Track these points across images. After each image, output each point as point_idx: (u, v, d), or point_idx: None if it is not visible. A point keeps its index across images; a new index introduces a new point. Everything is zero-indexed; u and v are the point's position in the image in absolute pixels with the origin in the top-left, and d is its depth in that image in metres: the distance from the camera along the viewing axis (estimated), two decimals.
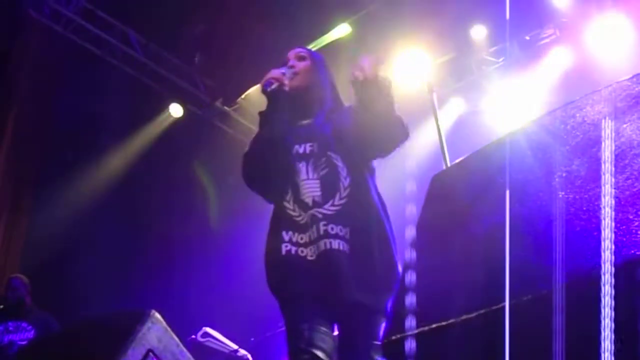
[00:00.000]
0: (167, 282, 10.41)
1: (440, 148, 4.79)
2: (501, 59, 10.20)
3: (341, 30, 9.79)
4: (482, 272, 2.64)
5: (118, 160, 10.46)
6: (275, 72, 3.93)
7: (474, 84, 10.32)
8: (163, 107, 10.92)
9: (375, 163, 3.99)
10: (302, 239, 3.73)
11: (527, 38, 9.92)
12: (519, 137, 2.83)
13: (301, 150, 3.86)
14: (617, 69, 8.51)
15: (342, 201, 3.73)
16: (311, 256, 3.69)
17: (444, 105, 10.02)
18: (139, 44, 10.56)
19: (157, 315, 6.67)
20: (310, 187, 3.77)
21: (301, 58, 4.09)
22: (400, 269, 3.59)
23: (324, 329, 3.65)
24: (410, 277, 2.96)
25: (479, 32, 9.89)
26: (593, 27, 9.24)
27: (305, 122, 3.98)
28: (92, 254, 9.67)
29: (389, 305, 3.60)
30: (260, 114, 3.97)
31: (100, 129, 10.18)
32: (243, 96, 11.04)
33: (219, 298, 10.44)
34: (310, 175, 3.79)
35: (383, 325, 3.60)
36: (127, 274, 10.07)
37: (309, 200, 3.75)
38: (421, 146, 8.65)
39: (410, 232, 3.11)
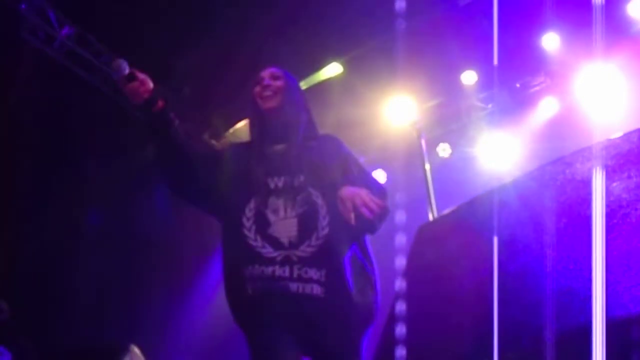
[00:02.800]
0: (147, 312, 10.34)
1: (426, 194, 4.76)
2: (490, 105, 10.22)
3: (332, 70, 9.79)
4: (468, 326, 2.61)
5: (102, 187, 10.41)
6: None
7: (463, 129, 10.33)
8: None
9: None
10: (264, 272, 3.53)
11: (518, 85, 9.94)
12: (507, 192, 2.82)
13: (279, 184, 3.67)
14: (607, 119, 8.55)
15: (319, 242, 3.55)
16: (275, 293, 3.51)
17: (432, 150, 10.02)
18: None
19: (136, 349, 6.62)
20: (287, 225, 3.58)
21: (275, 77, 3.90)
22: (377, 303, 3.50)
23: None
24: (398, 329, 2.92)
25: (469, 77, 9.90)
26: (583, 76, 9.27)
27: (279, 147, 3.79)
28: (74, 282, 9.59)
29: (364, 344, 3.48)
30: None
31: (86, 155, 10.12)
32: (231, 130, 11.02)
33: (201, 329, 10.36)
34: (288, 214, 3.61)
35: None
36: (109, 301, 9.99)
37: (284, 241, 3.57)
38: (407, 191, 8.63)
39: (398, 283, 3.07)
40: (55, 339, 8.92)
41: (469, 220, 2.87)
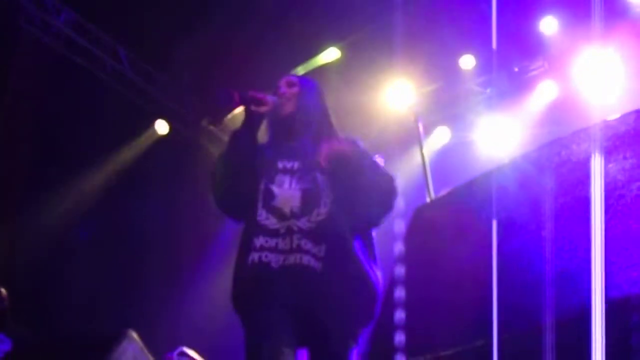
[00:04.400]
0: (146, 298, 10.35)
1: (424, 179, 4.75)
2: (488, 89, 10.20)
3: (330, 54, 9.79)
4: (467, 307, 2.62)
5: (101, 174, 10.40)
6: (267, 97, 3.84)
7: (461, 113, 10.32)
8: (149, 123, 10.87)
9: None
10: (267, 242, 3.60)
11: (516, 69, 9.93)
12: (504, 173, 2.82)
13: (288, 166, 3.78)
14: (605, 103, 8.54)
15: (320, 217, 3.61)
16: (275, 264, 3.55)
17: (430, 135, 10.01)
18: (127, 59, 10.53)
19: (134, 334, 6.64)
20: (290, 196, 3.67)
21: (291, 85, 4.02)
22: (379, 293, 3.51)
23: (287, 350, 3.50)
24: (397, 314, 2.92)
25: (467, 62, 9.89)
26: (581, 60, 9.25)
27: (295, 142, 3.88)
28: (73, 268, 9.60)
29: (364, 332, 3.47)
30: (234, 132, 3.91)
31: (85, 142, 10.11)
32: (230, 116, 10.99)
33: (198, 317, 10.38)
34: (293, 186, 3.70)
35: (354, 351, 3.49)
36: (107, 288, 10.00)
37: (286, 210, 3.64)
38: (405, 176, 8.64)
39: (395, 266, 3.07)
40: (53, 327, 8.95)
41: (466, 202, 2.87)
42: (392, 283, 3.11)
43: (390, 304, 3.10)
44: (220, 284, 9.94)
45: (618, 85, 8.82)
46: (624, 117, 2.56)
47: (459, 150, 9.91)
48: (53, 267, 9.56)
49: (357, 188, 3.63)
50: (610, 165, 2.49)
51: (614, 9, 8.86)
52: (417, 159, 6.55)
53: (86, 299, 9.65)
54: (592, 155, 2.55)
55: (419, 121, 5.00)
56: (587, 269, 2.36)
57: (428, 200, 4.45)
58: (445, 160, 9.60)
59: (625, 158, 2.45)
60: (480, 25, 8.61)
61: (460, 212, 2.87)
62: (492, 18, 6.43)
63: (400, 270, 3.04)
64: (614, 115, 2.70)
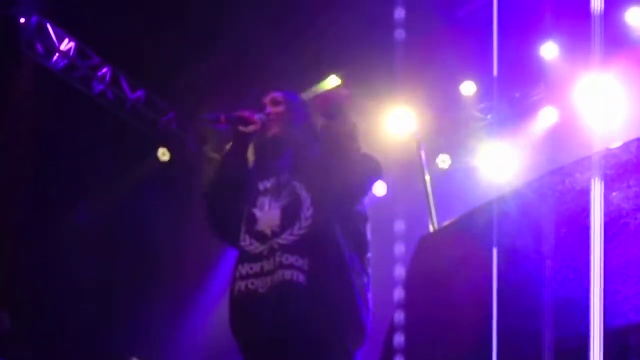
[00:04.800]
0: (149, 324, 10.32)
1: (427, 207, 4.74)
2: (490, 116, 10.22)
3: (331, 82, 9.80)
4: (469, 336, 2.61)
5: (103, 202, 10.39)
6: (254, 116, 3.83)
7: (463, 140, 10.32)
8: (151, 151, 10.88)
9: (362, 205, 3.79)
10: (252, 269, 3.59)
11: (517, 95, 9.94)
12: (506, 202, 2.81)
13: (267, 186, 3.78)
14: (606, 129, 8.54)
15: (302, 232, 3.57)
16: (262, 288, 3.53)
17: (432, 161, 10.01)
18: (129, 86, 10.55)
19: None
20: (270, 218, 3.65)
21: (276, 103, 3.97)
22: (369, 308, 3.45)
23: None
24: (398, 339, 2.90)
25: (468, 88, 9.90)
26: (582, 86, 9.26)
27: (272, 161, 3.89)
28: (75, 295, 9.58)
29: (357, 346, 3.43)
30: (224, 154, 3.95)
31: (86, 169, 10.11)
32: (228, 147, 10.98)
33: (202, 343, 10.35)
34: (272, 206, 3.69)
35: None
36: (110, 313, 9.98)
37: (268, 232, 3.63)
38: (408, 203, 8.62)
39: (398, 294, 3.06)
40: (56, 351, 8.92)
41: (469, 231, 2.87)
42: (395, 308, 3.10)
43: (393, 330, 3.09)
44: (223, 311, 9.91)
45: (619, 111, 8.83)
46: (627, 145, 2.56)
47: (461, 177, 9.90)
48: (55, 292, 9.53)
49: (342, 155, 3.61)
50: (614, 194, 2.49)
51: (614, 34, 8.88)
52: (420, 185, 6.54)
53: (89, 324, 9.62)
54: (593, 184, 2.54)
55: (422, 148, 4.99)
56: (589, 298, 2.35)
57: (431, 229, 4.44)
58: (447, 186, 9.59)
59: (629, 187, 2.45)
60: (480, 52, 8.62)
61: (464, 241, 2.86)
62: (493, 45, 6.44)
63: (403, 297, 3.03)
64: (616, 144, 2.69)
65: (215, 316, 10.27)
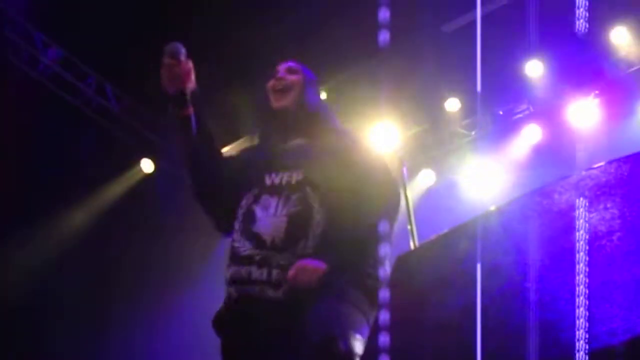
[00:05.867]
0: (130, 337, 10.29)
1: (408, 226, 4.72)
2: (473, 132, 10.25)
3: None
4: (450, 356, 2.60)
5: (85, 213, 10.37)
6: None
7: (446, 156, 10.35)
8: (134, 161, 10.86)
9: None
10: (238, 273, 3.27)
11: (501, 112, 9.98)
12: (488, 222, 2.81)
13: (276, 181, 3.42)
14: (589, 146, 8.60)
15: (307, 251, 3.23)
16: (246, 298, 3.24)
17: (414, 177, 10.02)
18: (114, 96, 10.54)
19: None
20: (274, 224, 3.28)
21: (292, 72, 3.70)
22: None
23: None
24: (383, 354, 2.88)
25: (452, 104, 9.94)
26: (566, 106, 9.31)
27: (286, 144, 3.59)
28: (57, 306, 9.54)
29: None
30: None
31: (69, 179, 10.09)
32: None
33: (182, 351, 10.33)
34: (279, 211, 3.31)
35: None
36: (92, 327, 9.95)
37: (267, 239, 3.27)
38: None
39: (379, 315, 3.03)
40: None
41: (450, 250, 2.87)
42: (376, 330, 3.07)
43: (374, 351, 3.07)
44: (207, 323, 9.91)
45: (602, 129, 8.88)
46: (606, 166, 2.57)
47: (444, 193, 9.93)
48: (34, 301, 9.50)
49: (359, 195, 3.30)
50: (591, 216, 2.50)
51: (599, 54, 8.94)
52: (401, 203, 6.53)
53: (71, 336, 9.59)
54: (574, 206, 2.56)
55: (404, 165, 4.98)
56: (567, 320, 2.36)
57: (412, 246, 4.42)
58: (430, 202, 9.62)
59: (606, 208, 2.47)
60: (465, 68, 8.66)
61: (444, 259, 2.86)
62: (477, 60, 6.47)
63: (384, 318, 3.00)
64: (596, 165, 2.71)
65: (198, 331, 10.27)
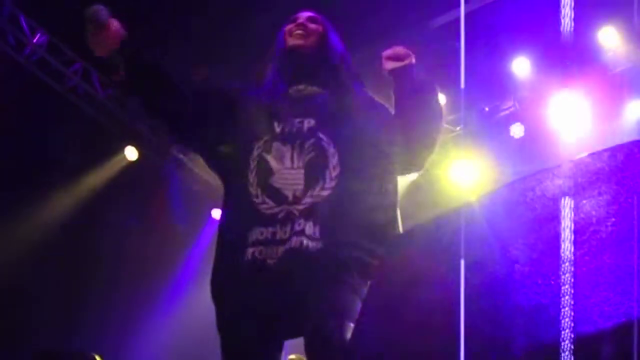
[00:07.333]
0: (114, 322, 10.28)
1: None
2: (459, 128, 10.27)
3: None
4: (435, 347, 2.58)
5: (68, 199, 10.33)
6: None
7: None
8: (118, 149, 10.83)
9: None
10: (262, 234, 3.07)
11: (486, 109, 10.00)
12: (475, 208, 2.79)
13: (286, 129, 3.25)
14: (573, 145, 8.62)
15: (325, 192, 3.10)
16: (271, 259, 3.05)
17: None
18: (100, 83, 10.49)
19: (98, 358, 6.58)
20: (292, 176, 3.14)
21: (313, 21, 3.49)
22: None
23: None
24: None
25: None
26: (552, 102, 9.34)
27: (296, 88, 3.40)
28: (39, 294, 9.51)
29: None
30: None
31: (52, 166, 10.05)
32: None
33: (167, 342, 10.32)
34: (295, 163, 3.17)
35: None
36: (73, 315, 9.93)
37: (288, 194, 3.11)
38: None
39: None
40: (17, 349, 8.86)
41: (434, 237, 2.85)
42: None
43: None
44: (190, 310, 9.93)
45: (587, 127, 8.91)
46: (599, 154, 2.57)
47: (429, 188, 9.96)
48: (17, 289, 9.48)
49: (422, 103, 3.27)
50: (584, 202, 2.50)
51: (585, 51, 8.97)
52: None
53: (51, 323, 9.58)
54: (566, 192, 2.56)
55: None
56: (559, 304, 2.36)
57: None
58: (415, 198, 9.63)
59: (599, 194, 2.47)
60: (451, 64, 8.67)
61: (426, 247, 2.84)
62: (460, 56, 6.48)
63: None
64: (586, 153, 2.71)
65: (181, 316, 10.26)
